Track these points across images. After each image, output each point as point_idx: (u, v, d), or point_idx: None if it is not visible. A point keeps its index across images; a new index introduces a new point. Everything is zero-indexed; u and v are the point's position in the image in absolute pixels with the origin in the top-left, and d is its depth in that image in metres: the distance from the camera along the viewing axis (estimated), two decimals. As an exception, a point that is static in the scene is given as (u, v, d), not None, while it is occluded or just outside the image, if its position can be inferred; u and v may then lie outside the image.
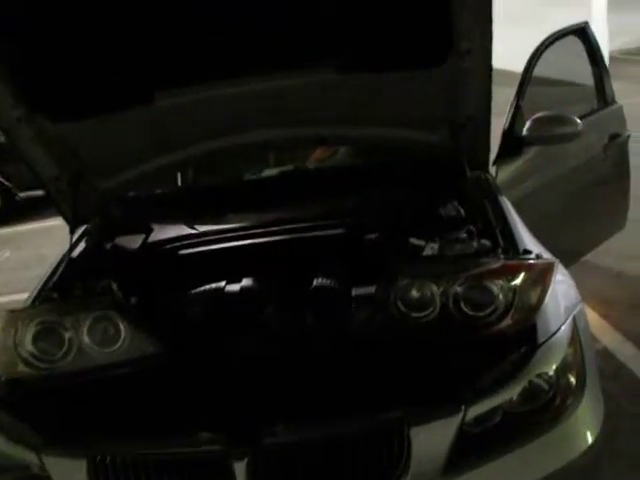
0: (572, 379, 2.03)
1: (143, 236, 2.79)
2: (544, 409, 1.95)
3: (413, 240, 2.32)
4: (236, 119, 2.73)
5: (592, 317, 3.92)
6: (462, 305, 1.96)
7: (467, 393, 1.84)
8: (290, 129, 2.78)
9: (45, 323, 2.11)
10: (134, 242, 2.80)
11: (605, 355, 3.55)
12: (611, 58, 10.04)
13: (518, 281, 1.97)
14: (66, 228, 2.76)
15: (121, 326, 2.09)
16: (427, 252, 2.22)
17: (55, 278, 2.55)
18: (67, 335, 2.09)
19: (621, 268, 4.47)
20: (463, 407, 1.82)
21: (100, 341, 2.07)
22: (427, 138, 2.73)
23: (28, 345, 2.09)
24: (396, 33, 2.34)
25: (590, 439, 1.99)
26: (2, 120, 2.46)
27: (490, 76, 2.45)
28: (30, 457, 1.91)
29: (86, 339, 2.08)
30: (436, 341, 1.94)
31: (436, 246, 2.23)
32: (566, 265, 3.74)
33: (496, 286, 1.96)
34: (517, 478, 1.91)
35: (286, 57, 2.43)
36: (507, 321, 1.95)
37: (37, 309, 2.26)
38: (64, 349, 2.09)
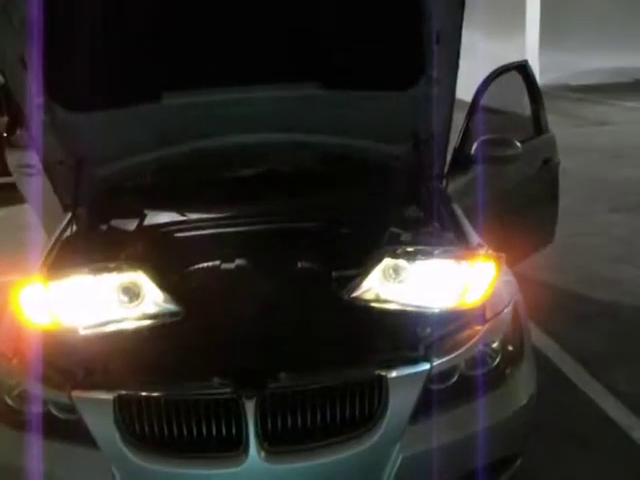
0: (512, 351, 2.50)
1: (137, 220, 3.13)
2: (491, 373, 2.41)
3: (385, 232, 2.79)
4: (230, 122, 3.13)
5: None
6: (431, 280, 2.41)
7: (433, 354, 2.28)
8: (275, 134, 3.20)
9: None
10: (129, 225, 3.14)
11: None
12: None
13: (476, 266, 2.43)
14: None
15: (144, 286, 2.40)
16: (403, 239, 2.69)
17: (52, 257, 2.86)
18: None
19: (546, 278, 5.03)
20: (429, 364, 2.26)
21: (126, 298, 2.40)
22: (394, 150, 3.20)
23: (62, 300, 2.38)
24: (375, 58, 2.81)
25: (526, 398, 2.48)
26: (25, 106, 2.78)
27: (453, 102, 2.92)
28: (60, 396, 2.23)
29: (116, 295, 2.39)
30: (411, 309, 2.38)
31: (407, 235, 2.70)
32: None
33: (459, 268, 2.41)
34: (468, 426, 2.35)
35: (281, 71, 2.86)
36: (463, 298, 2.41)
37: (68, 270, 2.51)
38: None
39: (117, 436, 2.20)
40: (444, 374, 2.32)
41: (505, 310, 2.53)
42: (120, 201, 3.25)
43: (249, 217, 3.02)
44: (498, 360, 2.43)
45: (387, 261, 2.39)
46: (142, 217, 3.15)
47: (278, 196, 3.07)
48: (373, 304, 2.41)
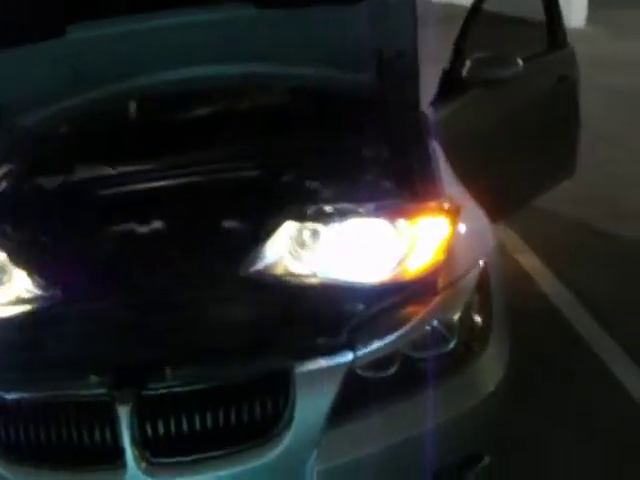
0: (477, 326, 1.98)
1: (59, 177, 2.67)
2: (446, 356, 1.91)
3: (315, 182, 2.22)
4: (155, 56, 2.63)
5: (534, 263, 3.91)
6: (356, 246, 1.89)
7: (357, 338, 1.78)
8: (210, 67, 2.68)
9: None
10: (47, 183, 2.68)
11: (542, 300, 3.54)
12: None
13: (420, 225, 1.89)
14: None
15: (12, 269, 2.01)
16: (326, 194, 2.12)
17: None
18: None
19: (571, 214, 4.42)
20: (351, 352, 1.76)
21: None
22: (352, 77, 2.63)
23: None
24: None
25: (493, 385, 1.97)
26: None
27: (414, 10, 2.35)
28: None
29: None
30: (331, 284, 1.88)
31: (337, 189, 2.14)
32: (512, 211, 3.78)
33: (395, 228, 1.88)
34: (414, 425, 1.86)
35: None
36: (404, 266, 1.88)
37: None
38: None
39: None
40: (379, 362, 1.83)
41: (468, 275, 2.00)
42: (40, 155, 2.79)
43: (169, 170, 2.46)
44: (456, 340, 1.92)
45: (291, 225, 1.88)
46: (63, 174, 2.68)
47: (212, 141, 2.55)
48: (281, 280, 1.90)
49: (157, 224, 2.21)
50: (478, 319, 1.99)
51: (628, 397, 2.82)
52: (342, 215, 1.86)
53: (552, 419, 2.68)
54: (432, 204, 1.93)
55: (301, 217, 1.89)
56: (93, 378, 1.77)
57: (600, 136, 5.21)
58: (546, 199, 3.89)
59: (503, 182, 3.40)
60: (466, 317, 1.95)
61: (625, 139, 5.60)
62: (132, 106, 2.94)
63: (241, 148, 2.53)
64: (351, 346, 1.77)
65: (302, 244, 1.91)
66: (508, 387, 2.01)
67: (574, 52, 3.86)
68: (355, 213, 1.86)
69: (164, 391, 1.76)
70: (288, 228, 1.90)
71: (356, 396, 1.80)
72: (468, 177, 2.51)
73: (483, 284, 2.03)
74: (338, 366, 1.76)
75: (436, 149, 2.57)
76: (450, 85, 3.17)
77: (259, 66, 2.69)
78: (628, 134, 5.70)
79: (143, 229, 2.22)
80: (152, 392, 1.75)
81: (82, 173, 2.59)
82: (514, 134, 3.44)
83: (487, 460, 2.03)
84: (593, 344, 3.17)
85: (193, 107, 2.83)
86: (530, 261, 3.95)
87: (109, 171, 2.54)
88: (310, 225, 1.89)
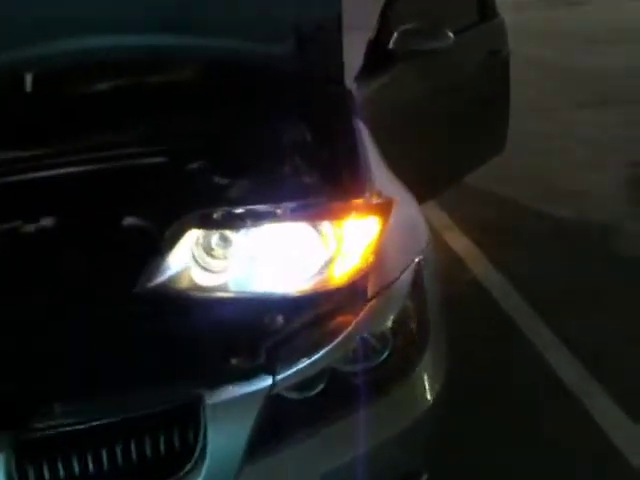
0: (412, 333, 1.77)
1: None
2: (378, 370, 1.69)
3: (224, 174, 1.94)
4: (46, 24, 2.29)
5: (464, 244, 3.76)
6: (272, 254, 1.63)
7: (276, 359, 1.54)
8: (113, 37, 2.35)
9: None
10: None
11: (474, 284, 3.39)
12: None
13: (346, 225, 1.65)
14: None
15: None
16: (236, 190, 1.85)
17: None
18: None
19: (496, 191, 4.29)
20: (270, 376, 1.52)
21: None
22: (268, 50, 2.35)
23: None
24: None
25: (431, 397, 1.77)
26: None
27: None
28: None
29: None
30: (244, 298, 1.62)
31: (249, 183, 1.86)
32: (442, 189, 3.61)
33: (316, 233, 1.63)
34: (346, 450, 1.64)
35: None
36: (328, 274, 1.64)
37: None
38: None
39: None
40: (303, 383, 1.60)
41: (401, 277, 1.77)
42: None
43: (53, 157, 2.09)
44: (388, 351, 1.70)
45: (194, 233, 1.61)
46: None
47: (108, 121, 2.21)
48: (186, 294, 1.63)
49: (39, 224, 1.86)
50: (413, 325, 1.77)
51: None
52: (255, 218, 1.59)
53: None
54: (360, 202, 1.68)
55: (207, 223, 1.61)
56: None
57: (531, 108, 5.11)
58: (475, 176, 3.74)
59: (433, 160, 3.22)
60: (400, 324, 1.73)
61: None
62: (26, 79, 2.55)
63: (141, 131, 2.22)
64: (270, 369, 1.53)
65: (210, 252, 1.64)
66: (446, 397, 1.82)
67: (504, 23, 3.69)
68: (271, 216, 1.59)
69: (51, 432, 1.48)
70: (192, 236, 1.62)
71: (278, 421, 1.56)
72: (396, 156, 2.30)
73: (417, 285, 1.81)
74: (255, 392, 1.51)
75: (362, 130, 2.32)
76: (376, 58, 2.94)
77: (166, 38, 2.38)
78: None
79: (23, 229, 1.89)
80: (35, 434, 1.47)
81: None
82: (443, 110, 3.24)
83: (425, 477, 1.84)
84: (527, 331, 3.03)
85: (90, 82, 2.47)
86: (460, 242, 3.80)
87: None
88: (217, 232, 1.62)
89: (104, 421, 1.49)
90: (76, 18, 2.32)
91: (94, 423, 1.49)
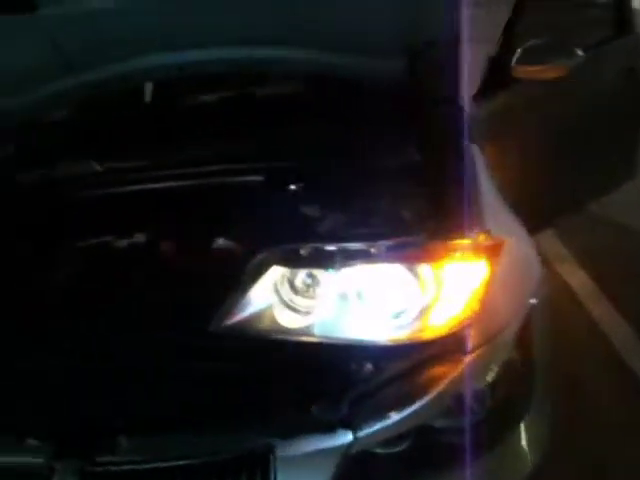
0: (515, 391, 1.59)
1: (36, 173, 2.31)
2: (475, 429, 1.52)
3: (316, 202, 1.80)
4: (154, 35, 2.25)
5: (581, 279, 3.47)
6: (361, 300, 1.49)
7: (359, 413, 1.39)
8: (218, 50, 2.29)
9: None
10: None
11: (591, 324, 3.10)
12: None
13: (449, 269, 1.48)
14: None
15: None
16: (327, 223, 1.71)
17: None
18: None
19: (626, 222, 3.94)
20: (351, 433, 1.38)
21: None
22: (378, 66, 2.22)
23: None
24: None
25: (530, 464, 1.59)
26: None
27: None
28: None
29: None
30: (330, 343, 1.48)
31: (342, 215, 1.72)
32: (566, 215, 3.35)
33: (413, 276, 1.47)
34: None
35: None
36: (425, 322, 1.48)
37: None
38: None
39: None
40: (386, 440, 1.45)
41: (507, 330, 1.58)
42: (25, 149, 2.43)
43: (168, 168, 2.06)
44: (487, 409, 1.53)
45: (276, 270, 1.48)
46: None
47: (202, 137, 2.15)
48: (266, 335, 1.51)
49: (131, 239, 1.82)
50: (517, 383, 1.59)
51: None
52: (347, 257, 1.45)
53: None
54: (465, 242, 1.51)
55: (294, 260, 1.48)
56: (32, 442, 1.42)
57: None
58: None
59: (555, 186, 2.99)
60: (501, 380, 1.55)
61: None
62: (129, 93, 2.55)
63: (243, 146, 2.14)
64: (351, 424, 1.39)
65: (295, 290, 1.51)
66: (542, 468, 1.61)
67: (642, 40, 3.39)
68: (363, 255, 1.45)
69: (116, 468, 1.40)
70: (276, 271, 1.50)
71: (358, 477, 1.43)
72: (514, 182, 2.12)
73: (525, 334, 1.63)
74: (333, 449, 1.38)
75: (476, 156, 2.13)
76: (496, 76, 2.74)
77: (275, 51, 2.30)
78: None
79: (116, 244, 1.84)
80: (101, 467, 1.40)
81: (62, 170, 2.21)
82: (569, 132, 3.00)
83: None
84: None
85: (191, 96, 2.43)
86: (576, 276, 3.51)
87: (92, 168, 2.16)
88: (302, 271, 1.49)
89: (171, 463, 1.40)
90: (181, 30, 2.28)
91: (160, 464, 1.40)
